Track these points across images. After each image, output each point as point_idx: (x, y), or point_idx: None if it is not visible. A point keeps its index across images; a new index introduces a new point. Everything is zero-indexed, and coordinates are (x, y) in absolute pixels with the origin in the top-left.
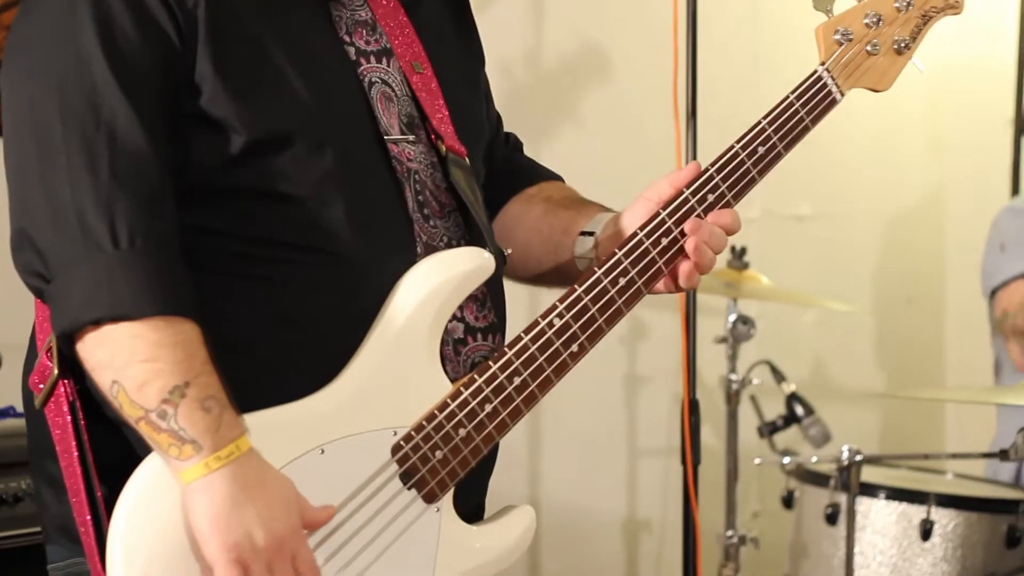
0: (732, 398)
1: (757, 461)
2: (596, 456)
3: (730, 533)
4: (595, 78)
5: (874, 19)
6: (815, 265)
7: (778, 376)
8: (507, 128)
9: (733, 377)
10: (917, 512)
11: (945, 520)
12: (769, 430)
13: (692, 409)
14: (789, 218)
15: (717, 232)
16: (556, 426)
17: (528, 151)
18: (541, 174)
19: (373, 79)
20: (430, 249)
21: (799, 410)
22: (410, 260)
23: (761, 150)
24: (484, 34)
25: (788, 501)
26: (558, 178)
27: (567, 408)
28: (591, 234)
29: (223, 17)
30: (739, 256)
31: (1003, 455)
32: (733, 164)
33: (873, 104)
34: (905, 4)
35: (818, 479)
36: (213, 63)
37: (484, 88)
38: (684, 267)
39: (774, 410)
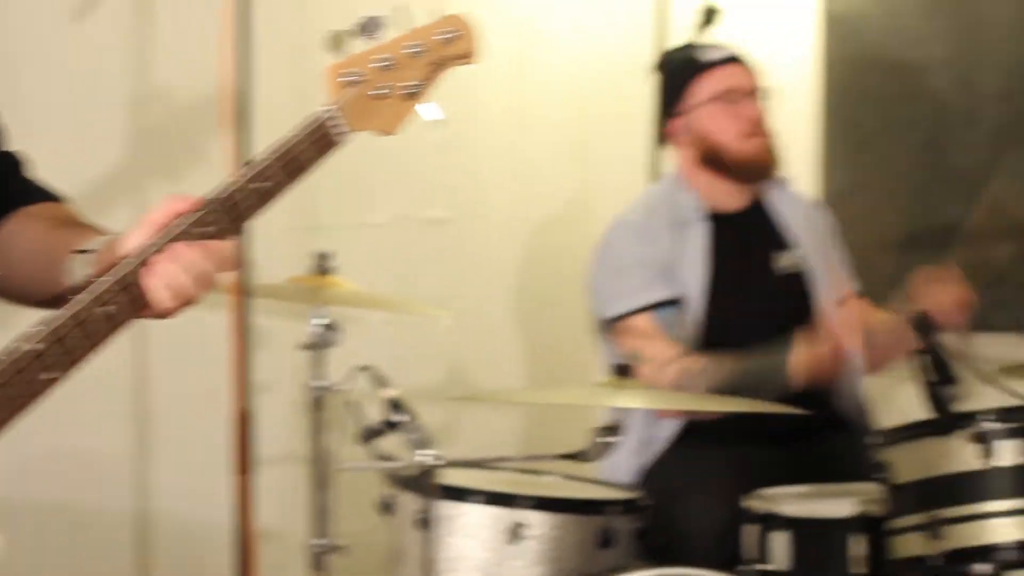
0: (318, 405)
1: (346, 466)
2: (212, 465)
3: (320, 541)
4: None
5: (385, 63)
6: (453, 268)
7: (380, 382)
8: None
9: (317, 384)
10: (508, 515)
11: (536, 523)
12: (369, 436)
13: (245, 418)
14: (423, 222)
15: (198, 263)
16: (168, 435)
17: None
18: (44, 193)
19: None
20: None
21: (399, 416)
22: None
23: (264, 185)
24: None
25: (386, 507)
26: (61, 199)
27: (180, 416)
28: (89, 252)
29: None
30: (322, 262)
31: (579, 456)
32: (234, 196)
33: (512, 109)
34: (417, 50)
35: (410, 484)
36: None
37: None
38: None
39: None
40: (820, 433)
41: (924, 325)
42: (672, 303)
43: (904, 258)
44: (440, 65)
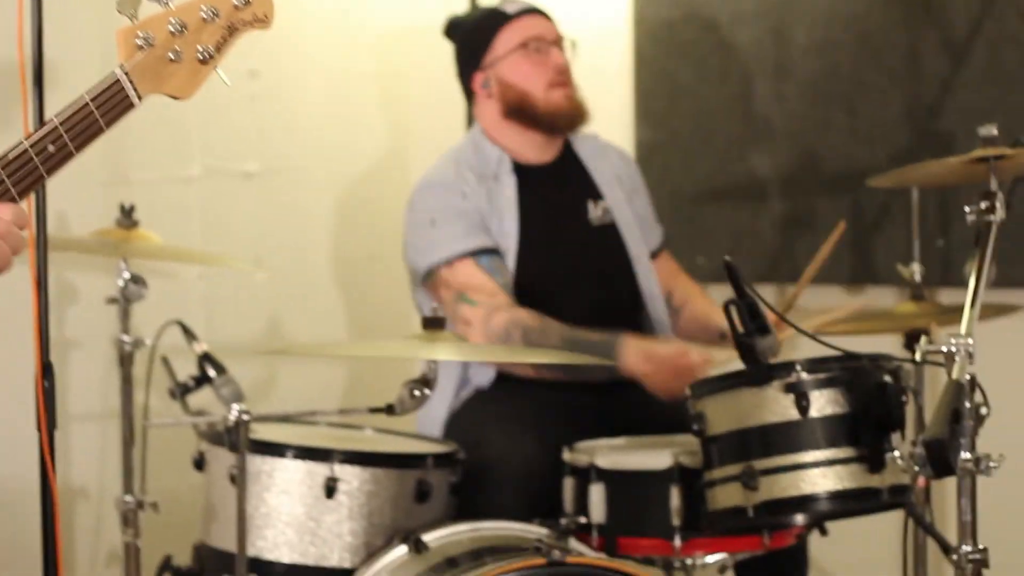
0: (126, 360)
1: (156, 422)
2: (21, 423)
3: (128, 498)
4: None
5: (178, 27)
6: (267, 222)
7: (189, 336)
8: None
9: (125, 338)
10: (322, 470)
11: (350, 477)
12: (181, 391)
13: (46, 372)
14: (236, 175)
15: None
16: None
17: None
18: None
19: None
20: None
21: (211, 371)
22: None
23: (51, 148)
24: None
25: (199, 463)
26: None
27: None
28: None
29: None
30: (128, 215)
31: (389, 410)
32: (21, 160)
33: (327, 63)
34: (211, 14)
35: (223, 439)
36: None
37: None
38: None
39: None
40: (634, 383)
41: (733, 275)
42: (492, 252)
43: (717, 209)
44: (235, 29)
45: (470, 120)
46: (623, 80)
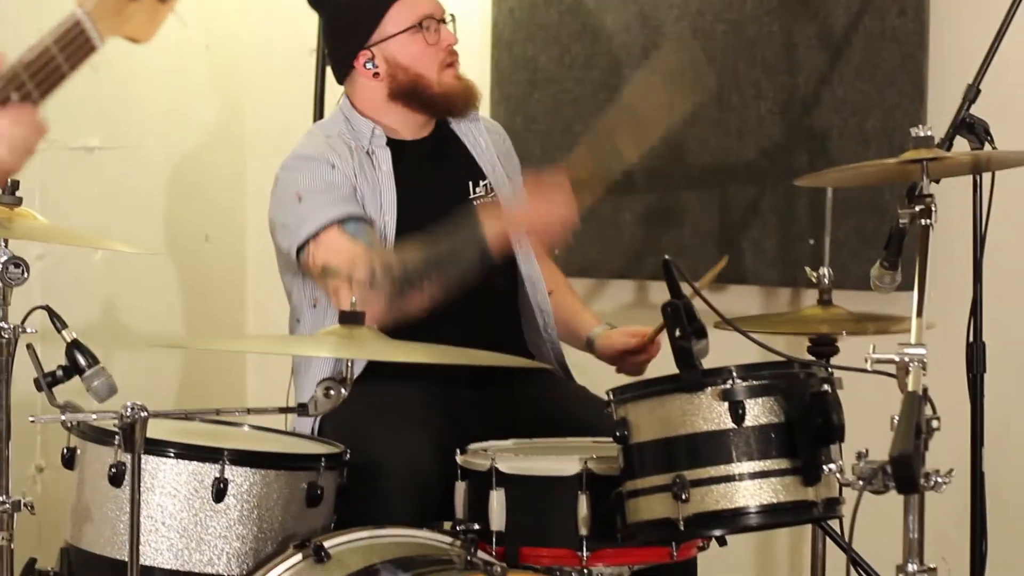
0: (4, 348)
1: (31, 419)
2: None
3: (1, 499)
4: None
5: None
6: (107, 201)
7: (58, 323)
8: None
9: (4, 325)
10: (210, 471)
11: (240, 479)
12: (49, 382)
13: None
14: (78, 150)
15: None
16: None
17: None
18: None
19: None
20: None
21: (81, 360)
22: None
23: (15, 96)
24: None
25: (69, 461)
26: None
27: None
28: None
29: None
30: (11, 191)
31: (302, 409)
32: None
33: (163, 31)
34: None
35: (101, 436)
36: None
37: None
38: None
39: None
40: (517, 377)
41: (670, 275)
42: (360, 219)
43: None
44: None
45: (319, 92)
46: (480, 62)
